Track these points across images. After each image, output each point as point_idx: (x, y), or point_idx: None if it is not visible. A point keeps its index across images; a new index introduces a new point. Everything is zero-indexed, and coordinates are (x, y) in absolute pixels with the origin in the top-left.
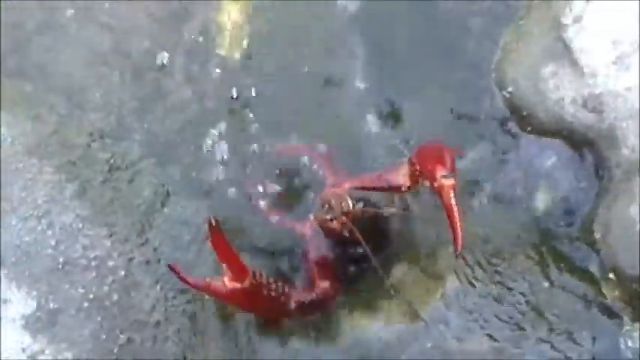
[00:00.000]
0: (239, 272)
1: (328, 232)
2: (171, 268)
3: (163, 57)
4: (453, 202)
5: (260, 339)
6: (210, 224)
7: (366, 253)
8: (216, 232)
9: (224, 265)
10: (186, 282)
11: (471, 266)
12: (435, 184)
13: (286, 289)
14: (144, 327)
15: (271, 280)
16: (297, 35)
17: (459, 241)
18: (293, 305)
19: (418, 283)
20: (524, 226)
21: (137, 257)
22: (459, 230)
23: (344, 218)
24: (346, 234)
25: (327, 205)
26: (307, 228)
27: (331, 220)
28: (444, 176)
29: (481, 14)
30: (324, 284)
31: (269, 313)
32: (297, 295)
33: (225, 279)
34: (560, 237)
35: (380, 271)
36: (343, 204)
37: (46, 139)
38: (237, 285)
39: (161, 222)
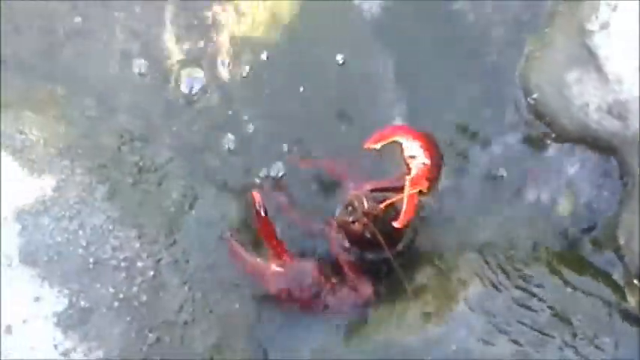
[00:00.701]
0: (284, 256)
1: (351, 235)
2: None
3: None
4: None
5: (286, 339)
6: (258, 213)
7: (388, 257)
8: (265, 220)
9: (270, 252)
10: (237, 255)
11: (495, 271)
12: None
13: (329, 286)
14: (172, 327)
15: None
16: (322, 46)
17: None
18: (331, 302)
19: (441, 287)
20: (548, 231)
21: (165, 258)
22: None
23: (365, 219)
24: (368, 235)
25: (349, 207)
26: (331, 231)
27: (353, 222)
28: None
29: (505, 23)
30: (368, 289)
31: (306, 302)
32: (340, 294)
33: (272, 264)
34: (583, 242)
35: (401, 275)
36: (363, 204)
37: (77, 141)
38: (282, 269)
39: (189, 223)
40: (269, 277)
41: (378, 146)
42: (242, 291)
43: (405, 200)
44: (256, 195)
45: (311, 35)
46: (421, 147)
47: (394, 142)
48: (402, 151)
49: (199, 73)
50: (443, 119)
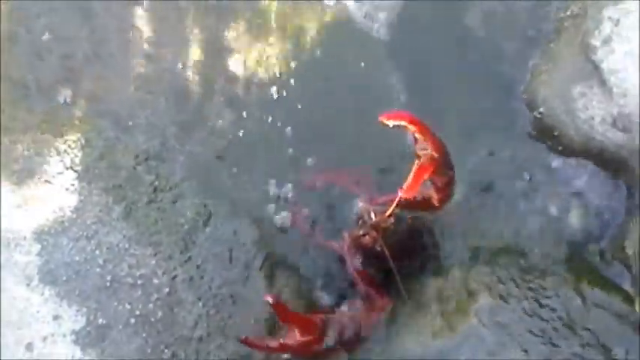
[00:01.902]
0: (307, 327)
1: (363, 248)
2: (242, 342)
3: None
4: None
5: None
6: (272, 304)
7: (399, 270)
8: (279, 306)
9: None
10: (262, 348)
11: (505, 282)
12: None
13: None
14: (187, 342)
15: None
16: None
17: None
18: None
19: (451, 299)
20: (557, 242)
21: (180, 275)
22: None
23: (374, 233)
24: (378, 248)
25: (359, 221)
26: (346, 246)
27: (363, 235)
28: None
29: (513, 39)
30: (382, 301)
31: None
32: (365, 320)
33: (297, 334)
34: (593, 254)
35: (401, 287)
36: (371, 216)
37: (94, 162)
38: (309, 337)
39: (203, 240)
40: (297, 348)
41: (390, 124)
42: (255, 307)
43: (412, 174)
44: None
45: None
46: (432, 144)
47: (406, 129)
48: (415, 142)
49: None
50: (452, 131)
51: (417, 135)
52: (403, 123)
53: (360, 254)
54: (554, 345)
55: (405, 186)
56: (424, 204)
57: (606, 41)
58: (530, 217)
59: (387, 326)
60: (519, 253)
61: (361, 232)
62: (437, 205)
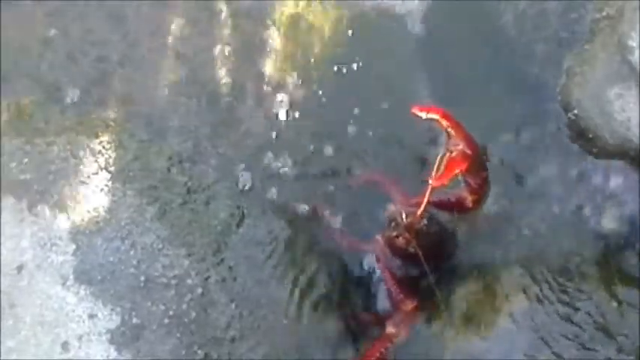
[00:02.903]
0: None
1: (396, 250)
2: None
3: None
4: None
5: (330, 352)
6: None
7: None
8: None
9: None
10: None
11: (539, 285)
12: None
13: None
14: (220, 343)
15: None
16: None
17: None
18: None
19: (485, 302)
20: (592, 245)
21: (213, 276)
22: None
23: (407, 234)
24: (412, 250)
25: (393, 223)
26: (378, 248)
27: (396, 236)
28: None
29: (545, 40)
30: (412, 303)
31: None
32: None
33: None
34: (628, 257)
35: (435, 290)
36: (403, 218)
37: (128, 164)
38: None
39: (236, 242)
40: None
41: (423, 115)
42: (289, 307)
43: (443, 165)
44: None
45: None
46: (465, 142)
47: (439, 124)
48: (448, 138)
49: None
50: (482, 132)
51: (450, 131)
52: (436, 116)
53: (393, 256)
54: (588, 349)
55: (434, 175)
56: (458, 205)
57: None
58: (565, 219)
59: (420, 328)
60: (553, 255)
61: (394, 234)
62: (471, 206)
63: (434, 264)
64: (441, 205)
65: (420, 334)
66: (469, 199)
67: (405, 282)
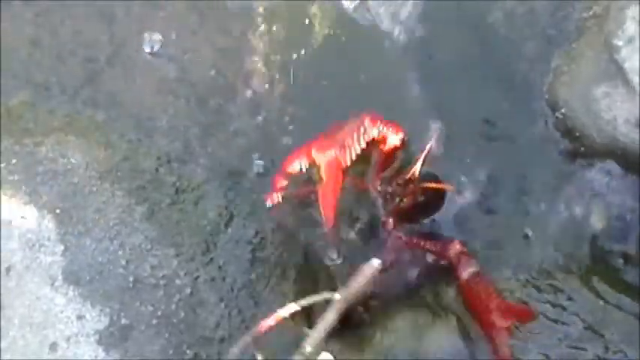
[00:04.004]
0: None
1: (403, 217)
2: None
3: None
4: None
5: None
6: None
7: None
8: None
9: None
10: None
11: (526, 285)
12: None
13: None
14: (209, 343)
15: None
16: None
17: None
18: None
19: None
20: (580, 245)
21: (202, 276)
22: None
23: (409, 187)
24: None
25: (390, 190)
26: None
27: (400, 198)
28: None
29: (533, 39)
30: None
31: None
32: None
33: None
34: (615, 256)
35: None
36: (397, 180)
37: (117, 164)
38: None
39: (225, 242)
40: None
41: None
42: (277, 308)
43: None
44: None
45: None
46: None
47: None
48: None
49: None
50: (470, 130)
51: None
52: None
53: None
54: (575, 348)
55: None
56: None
57: (630, 41)
58: (552, 218)
59: (400, 327)
60: (541, 255)
61: (397, 197)
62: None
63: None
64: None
65: (408, 333)
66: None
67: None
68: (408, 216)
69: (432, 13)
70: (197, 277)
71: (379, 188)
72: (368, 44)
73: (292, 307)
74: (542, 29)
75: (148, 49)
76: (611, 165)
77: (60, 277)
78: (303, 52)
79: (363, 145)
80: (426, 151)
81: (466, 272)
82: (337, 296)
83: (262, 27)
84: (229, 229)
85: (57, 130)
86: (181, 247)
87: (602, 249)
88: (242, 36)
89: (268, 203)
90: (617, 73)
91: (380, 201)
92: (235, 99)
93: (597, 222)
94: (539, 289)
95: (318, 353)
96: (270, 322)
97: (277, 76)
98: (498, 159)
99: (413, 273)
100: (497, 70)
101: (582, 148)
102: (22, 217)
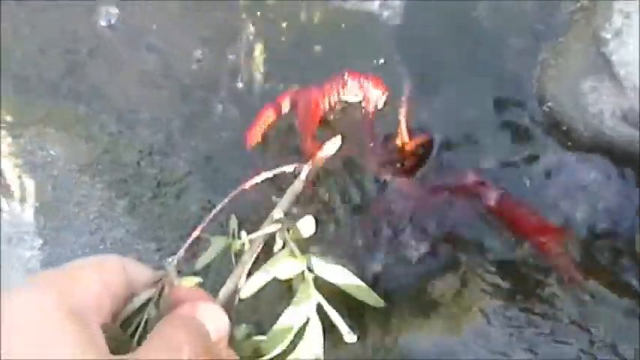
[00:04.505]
0: None
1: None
2: None
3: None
4: None
5: None
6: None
7: None
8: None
9: None
10: None
11: (513, 281)
12: None
13: None
14: None
15: None
16: (341, 51)
17: None
18: None
19: (458, 298)
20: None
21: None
22: None
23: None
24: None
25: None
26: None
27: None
28: None
29: (521, 33)
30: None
31: None
32: None
33: None
34: (602, 250)
35: None
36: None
37: (98, 157)
38: None
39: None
40: None
41: None
42: (263, 300)
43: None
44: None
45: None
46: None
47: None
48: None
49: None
50: (456, 124)
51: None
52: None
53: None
54: (562, 343)
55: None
56: None
57: (617, 34)
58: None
59: (392, 325)
60: (527, 249)
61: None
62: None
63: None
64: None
65: (392, 331)
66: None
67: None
68: (406, 173)
69: (417, 9)
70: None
71: (377, 161)
72: (358, 39)
73: (263, 176)
74: (529, 23)
75: (104, 23)
76: (598, 159)
77: (39, 271)
78: (289, 40)
79: (344, 96)
80: (403, 113)
81: (492, 197)
82: (305, 167)
83: (249, 20)
84: (212, 224)
85: (36, 122)
86: (163, 242)
87: (589, 243)
88: (226, 26)
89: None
90: (604, 66)
91: (383, 172)
92: (219, 92)
93: (583, 216)
94: (526, 285)
95: (293, 220)
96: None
97: (262, 67)
98: (483, 153)
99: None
100: (484, 64)
101: (569, 142)
102: (1, 211)
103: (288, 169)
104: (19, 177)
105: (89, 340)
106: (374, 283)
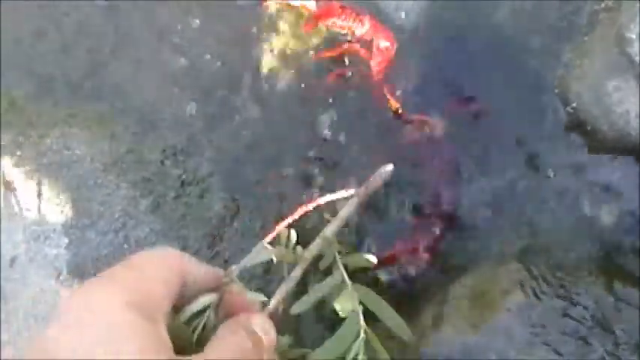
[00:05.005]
0: None
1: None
2: None
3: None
4: None
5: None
6: None
7: None
8: None
9: None
10: None
11: (536, 280)
12: None
13: None
14: None
15: None
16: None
17: None
18: None
19: (481, 297)
20: (590, 240)
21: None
22: None
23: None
24: None
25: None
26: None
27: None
28: None
29: (541, 32)
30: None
31: None
32: None
33: None
34: (625, 251)
35: None
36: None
37: (122, 156)
38: None
39: (231, 235)
40: None
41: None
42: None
43: None
44: None
45: None
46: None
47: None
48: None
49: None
50: (483, 127)
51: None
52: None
53: None
54: (586, 344)
55: None
56: None
57: None
58: (562, 213)
59: (416, 324)
60: (551, 250)
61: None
62: None
63: None
64: None
65: (413, 329)
66: None
67: None
68: None
69: (437, 10)
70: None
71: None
72: None
73: (318, 202)
74: (551, 23)
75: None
76: (623, 159)
77: (64, 270)
78: (309, 42)
79: (354, 29)
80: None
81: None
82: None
83: (268, 20)
84: (235, 223)
85: (61, 122)
86: (187, 241)
87: (613, 244)
88: (249, 28)
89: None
90: (628, 66)
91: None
92: (241, 91)
93: (608, 216)
94: (549, 284)
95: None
96: (295, 215)
97: (284, 68)
98: (506, 154)
99: None
100: (507, 66)
101: (594, 143)
102: (27, 210)
103: (345, 194)
104: (46, 176)
105: (159, 339)
106: (394, 284)
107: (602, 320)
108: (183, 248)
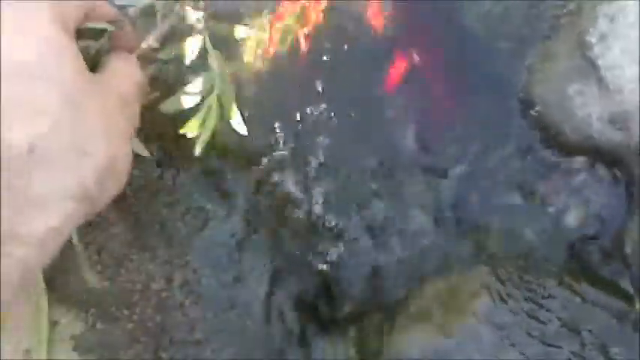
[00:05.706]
0: None
1: None
2: None
3: None
4: None
5: (298, 352)
6: None
7: None
8: None
9: None
10: None
11: (503, 283)
12: None
13: None
14: (185, 346)
15: None
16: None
17: None
18: None
19: (450, 300)
20: (556, 242)
21: (177, 279)
22: None
23: None
24: None
25: None
26: None
27: None
28: None
29: (508, 37)
30: None
31: None
32: None
33: None
34: (592, 253)
35: None
36: None
37: None
38: None
39: (200, 244)
40: None
41: None
42: (253, 308)
43: None
44: None
45: None
46: None
47: None
48: None
49: None
50: (450, 130)
51: None
52: None
53: None
54: (552, 346)
55: None
56: None
57: (602, 38)
58: (528, 216)
59: (384, 327)
60: (518, 252)
61: None
62: None
63: None
64: None
65: (383, 333)
66: None
67: None
68: None
69: (404, 14)
70: (172, 281)
71: None
72: (346, 43)
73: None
74: (516, 28)
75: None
76: (587, 162)
77: None
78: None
79: None
80: None
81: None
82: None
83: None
84: (205, 231)
85: None
86: (157, 251)
87: (579, 246)
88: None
89: None
90: (590, 70)
91: None
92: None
93: (574, 220)
94: (517, 287)
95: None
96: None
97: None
98: (472, 157)
99: None
100: (473, 69)
101: (558, 146)
102: None
103: None
104: None
105: (78, 54)
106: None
107: (569, 322)
108: (154, 259)
